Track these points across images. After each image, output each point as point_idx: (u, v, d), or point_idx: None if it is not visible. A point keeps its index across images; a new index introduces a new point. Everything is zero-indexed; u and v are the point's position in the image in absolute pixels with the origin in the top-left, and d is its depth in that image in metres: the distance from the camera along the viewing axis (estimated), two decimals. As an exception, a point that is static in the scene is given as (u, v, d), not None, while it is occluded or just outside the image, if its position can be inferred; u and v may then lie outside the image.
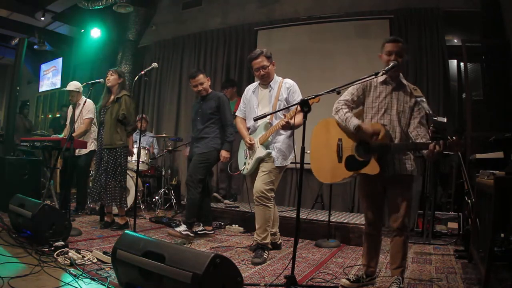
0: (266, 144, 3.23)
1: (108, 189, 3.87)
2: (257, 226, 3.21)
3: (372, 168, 2.27)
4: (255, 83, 3.47)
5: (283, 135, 3.23)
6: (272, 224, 3.34)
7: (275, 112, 3.14)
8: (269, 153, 3.19)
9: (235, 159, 5.53)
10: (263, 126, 3.27)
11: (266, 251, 3.16)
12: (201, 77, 3.86)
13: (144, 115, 5.67)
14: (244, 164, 3.38)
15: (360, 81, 2.32)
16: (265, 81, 3.33)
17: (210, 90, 3.98)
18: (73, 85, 4.61)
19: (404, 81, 2.41)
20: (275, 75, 3.36)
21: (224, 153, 3.79)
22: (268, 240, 3.20)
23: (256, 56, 3.26)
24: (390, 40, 2.40)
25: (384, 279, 2.57)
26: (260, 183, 3.15)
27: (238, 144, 5.42)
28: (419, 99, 2.32)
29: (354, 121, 2.34)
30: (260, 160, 3.25)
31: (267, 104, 3.28)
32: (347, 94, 2.48)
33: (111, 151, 3.90)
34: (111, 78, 3.99)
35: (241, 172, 3.43)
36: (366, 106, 2.45)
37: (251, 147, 3.28)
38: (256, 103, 3.35)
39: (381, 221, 2.49)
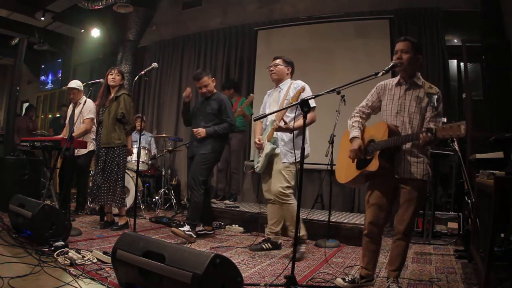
0: (273, 141, 3.31)
1: (104, 189, 3.85)
2: (287, 224, 3.35)
3: (373, 165, 2.28)
4: (273, 88, 3.57)
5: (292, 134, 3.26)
6: (277, 223, 3.44)
7: (273, 112, 3.18)
8: (274, 148, 3.28)
9: (235, 157, 5.57)
10: (270, 124, 3.35)
11: (302, 245, 3.27)
12: (205, 79, 3.88)
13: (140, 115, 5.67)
14: (258, 162, 3.45)
15: (360, 81, 2.31)
16: (274, 79, 3.48)
17: (214, 91, 3.98)
18: (74, 83, 4.62)
19: (420, 81, 2.36)
20: (289, 79, 3.47)
21: (200, 130, 3.75)
22: (303, 233, 3.29)
23: (277, 57, 3.53)
24: (398, 40, 2.40)
25: (384, 279, 2.57)
26: (275, 185, 3.26)
27: (238, 144, 5.50)
28: (429, 95, 2.27)
29: (353, 132, 2.46)
30: (269, 156, 3.32)
31: (276, 104, 3.38)
32: (364, 101, 2.57)
33: (109, 150, 3.88)
34: (117, 78, 3.99)
35: (255, 170, 3.48)
36: (382, 109, 2.47)
37: (259, 147, 3.37)
38: (269, 104, 3.48)
39: (384, 223, 2.45)
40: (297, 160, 3.26)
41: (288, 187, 3.24)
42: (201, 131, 3.75)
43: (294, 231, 3.24)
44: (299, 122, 3.17)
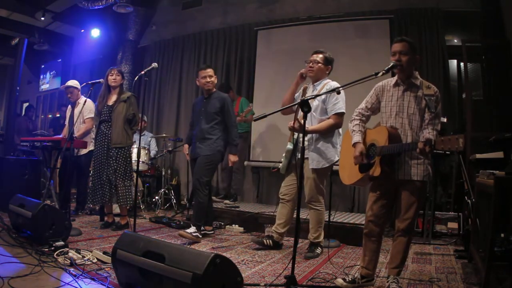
0: (293, 141, 3.32)
1: (120, 189, 3.86)
2: (310, 227, 3.35)
3: (375, 170, 2.30)
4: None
5: (320, 138, 3.25)
6: (283, 224, 3.44)
7: (274, 113, 3.17)
8: (290, 149, 3.31)
9: (238, 158, 5.56)
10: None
11: (318, 247, 3.33)
12: (211, 70, 3.92)
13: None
14: (281, 162, 3.46)
15: (360, 81, 2.32)
16: (311, 76, 3.37)
17: (215, 89, 3.99)
18: (71, 82, 4.64)
19: (417, 81, 2.37)
20: (326, 78, 3.37)
21: (232, 158, 3.86)
22: (320, 239, 3.34)
23: (318, 51, 3.36)
24: (395, 40, 2.41)
25: (384, 279, 2.57)
26: (307, 191, 3.26)
27: (240, 144, 5.50)
28: (427, 98, 2.29)
29: (355, 138, 2.45)
30: (290, 157, 3.35)
31: None
32: (363, 102, 2.57)
33: (121, 150, 3.90)
34: (117, 79, 4.00)
35: (280, 170, 3.49)
36: (381, 110, 2.48)
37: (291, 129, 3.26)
38: None
39: (385, 223, 2.46)
40: (325, 166, 3.24)
41: (318, 192, 3.27)
42: (233, 160, 3.86)
43: (315, 235, 3.32)
44: (317, 125, 3.17)
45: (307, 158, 3.24)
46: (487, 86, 4.68)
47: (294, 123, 3.12)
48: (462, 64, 4.98)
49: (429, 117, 2.28)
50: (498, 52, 4.48)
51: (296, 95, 3.48)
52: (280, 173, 3.49)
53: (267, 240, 3.45)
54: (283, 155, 3.41)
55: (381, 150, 2.28)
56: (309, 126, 3.16)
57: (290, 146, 3.34)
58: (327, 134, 3.23)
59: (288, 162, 3.38)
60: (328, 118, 3.19)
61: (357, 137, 2.45)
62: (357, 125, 2.51)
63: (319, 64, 3.30)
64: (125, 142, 3.91)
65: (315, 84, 3.36)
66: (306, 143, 3.25)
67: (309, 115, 3.11)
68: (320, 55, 3.32)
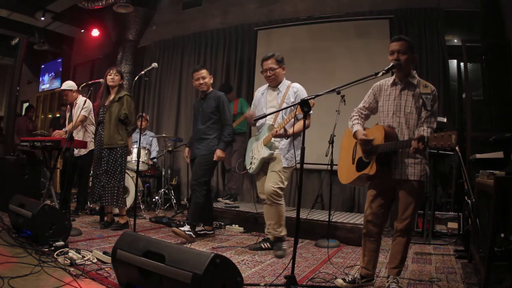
0: (269, 145, 3.31)
1: (108, 190, 3.86)
2: (272, 222, 3.35)
3: (371, 168, 2.30)
4: (265, 85, 3.55)
5: (289, 139, 3.28)
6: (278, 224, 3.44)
7: (273, 113, 3.19)
8: (272, 154, 3.30)
9: (237, 157, 5.58)
10: (266, 127, 3.36)
11: (284, 242, 3.35)
12: (204, 71, 3.88)
13: (143, 114, 5.66)
14: (251, 163, 3.47)
15: (360, 81, 2.31)
16: (272, 83, 3.44)
17: (211, 89, 3.98)
18: (66, 85, 4.62)
19: (415, 80, 2.36)
20: (284, 78, 3.45)
21: (218, 152, 3.76)
22: (284, 233, 3.35)
23: (267, 57, 3.41)
24: (393, 39, 2.40)
25: (384, 279, 2.57)
26: (268, 184, 3.29)
27: (239, 144, 5.51)
28: (423, 96, 2.29)
29: (354, 128, 2.47)
30: (265, 161, 3.34)
31: (275, 106, 3.36)
32: (361, 103, 2.58)
33: (112, 151, 3.89)
34: (116, 79, 3.99)
35: (248, 171, 3.51)
36: (379, 109, 2.48)
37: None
38: (265, 105, 3.45)
39: (384, 223, 2.46)
40: (290, 165, 3.33)
41: (280, 188, 3.29)
42: (220, 155, 3.74)
43: (279, 230, 3.31)
44: (296, 127, 3.18)
45: (276, 157, 3.32)
46: (487, 86, 4.68)
47: (278, 130, 3.18)
48: (462, 64, 4.99)
49: (425, 115, 2.29)
50: (498, 52, 4.48)
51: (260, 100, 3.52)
52: (249, 173, 3.53)
53: (265, 244, 3.46)
54: (255, 156, 3.41)
55: (377, 148, 2.29)
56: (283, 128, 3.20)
57: (267, 149, 3.32)
58: (297, 135, 3.29)
59: (262, 165, 3.40)
60: (299, 120, 3.23)
61: (357, 126, 2.46)
62: (356, 119, 2.52)
63: (276, 69, 3.36)
64: (116, 143, 3.89)
65: (278, 86, 3.41)
66: (276, 143, 3.33)
67: (279, 117, 3.27)
68: (272, 60, 3.37)
